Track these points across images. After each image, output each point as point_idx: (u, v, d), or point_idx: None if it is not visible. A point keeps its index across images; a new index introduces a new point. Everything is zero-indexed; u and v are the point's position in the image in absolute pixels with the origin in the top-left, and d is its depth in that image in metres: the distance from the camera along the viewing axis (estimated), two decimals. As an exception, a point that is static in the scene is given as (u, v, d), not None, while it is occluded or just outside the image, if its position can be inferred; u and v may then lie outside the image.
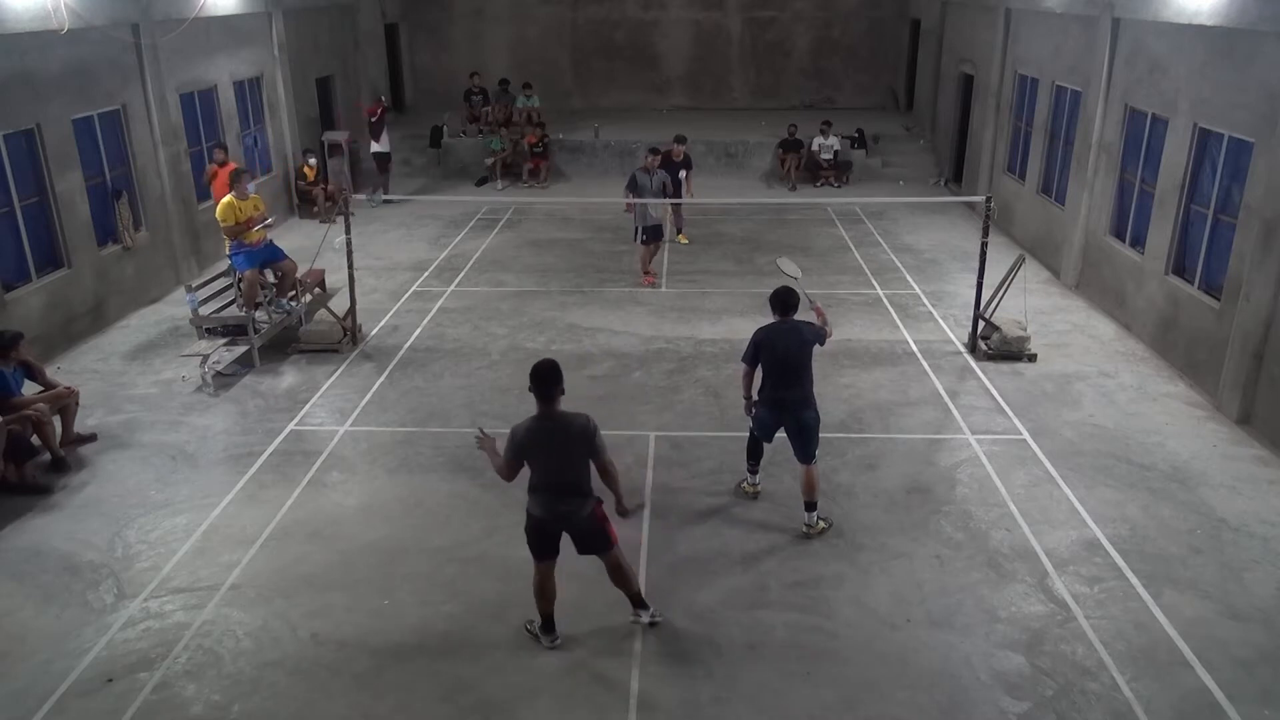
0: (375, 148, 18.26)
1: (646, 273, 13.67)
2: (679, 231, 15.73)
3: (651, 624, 6.40)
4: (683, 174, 14.85)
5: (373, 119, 18.16)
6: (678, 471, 8.49)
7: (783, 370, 7.33)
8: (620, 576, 6.25)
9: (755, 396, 7.60)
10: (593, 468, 5.93)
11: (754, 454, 7.98)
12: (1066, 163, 13.84)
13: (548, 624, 6.25)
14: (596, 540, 6.07)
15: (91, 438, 9.01)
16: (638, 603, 6.40)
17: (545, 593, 6.14)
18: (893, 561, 7.16)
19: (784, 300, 7.45)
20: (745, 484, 8.15)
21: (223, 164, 13.66)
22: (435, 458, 8.72)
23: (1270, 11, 8.78)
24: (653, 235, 13.54)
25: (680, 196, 14.61)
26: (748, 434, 7.90)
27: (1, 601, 6.73)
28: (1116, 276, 12.20)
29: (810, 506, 7.50)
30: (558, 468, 5.85)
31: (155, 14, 12.78)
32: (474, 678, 6.01)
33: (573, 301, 12.91)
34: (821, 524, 7.52)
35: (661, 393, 10.07)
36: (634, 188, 13.46)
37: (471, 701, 5.82)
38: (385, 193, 18.09)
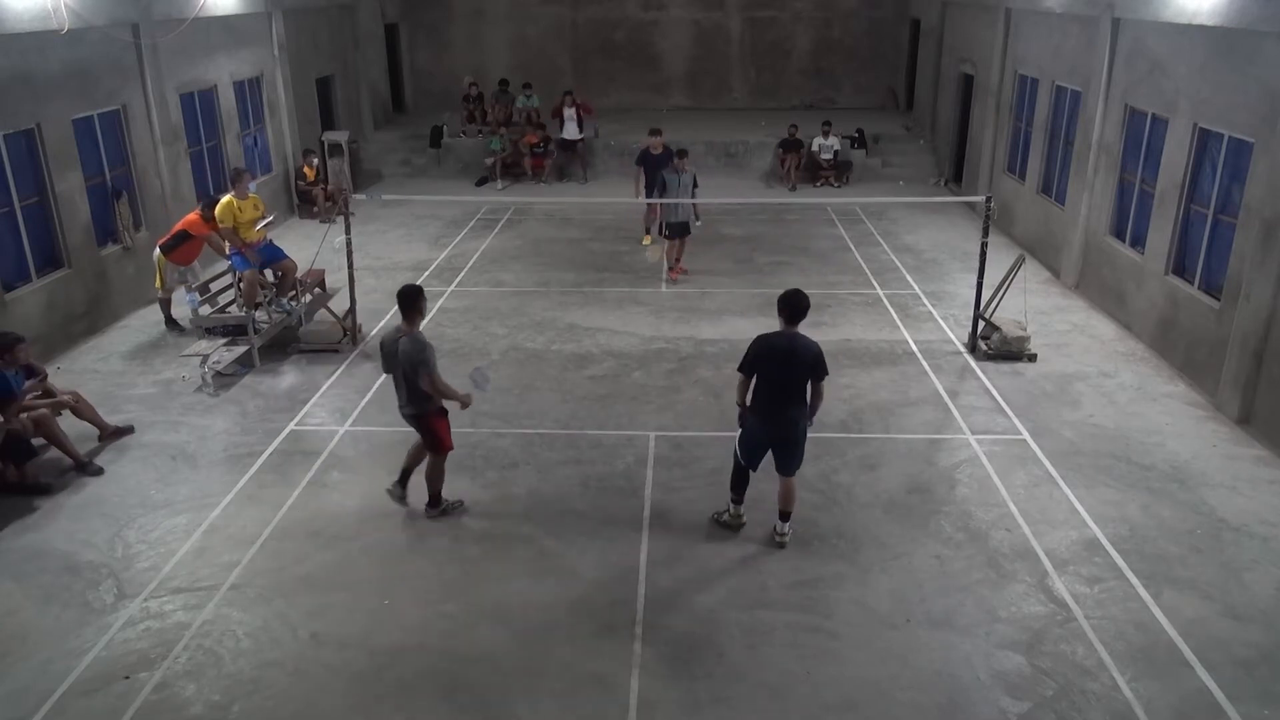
0: (568, 136, 19.97)
1: (672, 267, 13.90)
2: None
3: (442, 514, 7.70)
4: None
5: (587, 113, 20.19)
6: (678, 471, 8.49)
7: (780, 386, 6.98)
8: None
9: (748, 404, 7.17)
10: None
11: (739, 483, 7.43)
12: (1066, 163, 13.84)
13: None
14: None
15: (129, 429, 9.12)
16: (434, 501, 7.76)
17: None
18: (893, 561, 7.16)
19: (792, 305, 6.97)
20: (728, 514, 7.51)
21: (210, 207, 11.33)
22: (435, 458, 8.73)
23: (1270, 11, 8.79)
24: (677, 231, 13.72)
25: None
26: (733, 461, 7.41)
27: (1, 601, 6.73)
28: (1116, 276, 12.20)
29: (784, 516, 7.30)
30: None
31: (155, 14, 12.77)
32: (474, 678, 6.01)
33: (573, 301, 12.90)
34: (789, 534, 7.31)
35: (661, 393, 10.07)
36: (663, 189, 13.26)
37: (471, 701, 5.83)
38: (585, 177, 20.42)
